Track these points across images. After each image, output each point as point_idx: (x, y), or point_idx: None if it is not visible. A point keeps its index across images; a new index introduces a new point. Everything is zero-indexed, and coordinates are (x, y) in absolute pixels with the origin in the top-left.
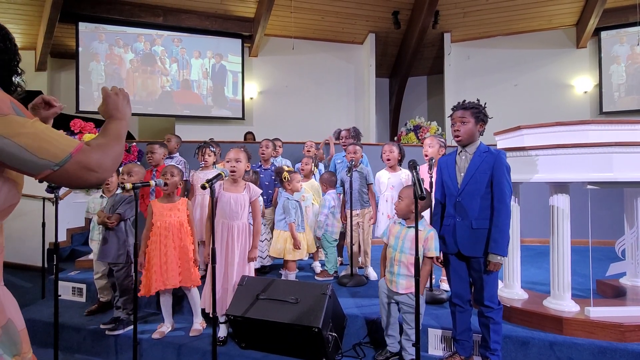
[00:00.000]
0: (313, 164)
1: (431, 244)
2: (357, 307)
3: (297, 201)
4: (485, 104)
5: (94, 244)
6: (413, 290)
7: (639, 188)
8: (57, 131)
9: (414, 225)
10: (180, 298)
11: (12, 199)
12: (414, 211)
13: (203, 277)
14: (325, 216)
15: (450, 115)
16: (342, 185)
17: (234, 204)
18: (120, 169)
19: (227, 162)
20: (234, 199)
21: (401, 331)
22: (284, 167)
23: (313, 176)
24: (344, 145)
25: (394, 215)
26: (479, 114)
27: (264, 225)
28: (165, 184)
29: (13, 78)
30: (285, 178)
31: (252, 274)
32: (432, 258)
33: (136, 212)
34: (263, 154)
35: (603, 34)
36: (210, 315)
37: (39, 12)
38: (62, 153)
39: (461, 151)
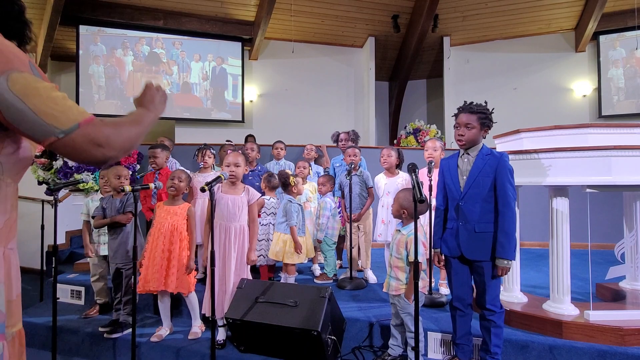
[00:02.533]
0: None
1: (411, 248)
2: (357, 310)
3: (300, 204)
4: (493, 109)
5: (93, 247)
6: (399, 292)
7: (638, 191)
8: (71, 101)
9: (400, 229)
10: (179, 301)
11: (26, 153)
12: (403, 214)
13: (203, 280)
14: (327, 219)
15: (456, 116)
16: (342, 189)
17: (231, 206)
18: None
19: (227, 166)
20: (231, 201)
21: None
22: (287, 171)
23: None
24: (343, 148)
25: (389, 221)
26: (485, 119)
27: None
28: (172, 187)
29: (27, 32)
30: (293, 183)
31: (249, 276)
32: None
33: (135, 214)
34: (248, 156)
35: (602, 37)
36: (209, 317)
37: (39, 15)
38: (70, 121)
39: (463, 154)
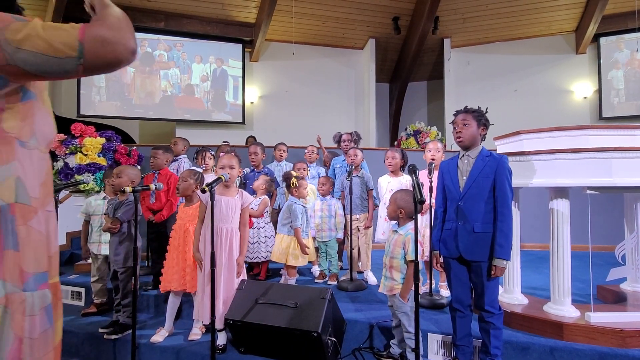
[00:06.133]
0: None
1: (409, 247)
2: (357, 312)
3: (304, 206)
4: (487, 108)
5: (93, 246)
6: (394, 292)
7: (638, 193)
8: (53, 24)
9: (397, 229)
10: (180, 302)
11: (53, 129)
12: (400, 216)
13: None
14: (342, 217)
15: (453, 121)
16: (343, 189)
17: (225, 208)
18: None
19: (221, 168)
20: (225, 202)
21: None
22: (292, 172)
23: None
24: (345, 149)
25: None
26: (480, 117)
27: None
28: (177, 188)
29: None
30: (293, 184)
31: (238, 279)
32: (412, 261)
33: (136, 216)
34: (253, 161)
35: (602, 39)
36: (204, 322)
37: (40, 16)
38: (72, 43)
39: (463, 155)
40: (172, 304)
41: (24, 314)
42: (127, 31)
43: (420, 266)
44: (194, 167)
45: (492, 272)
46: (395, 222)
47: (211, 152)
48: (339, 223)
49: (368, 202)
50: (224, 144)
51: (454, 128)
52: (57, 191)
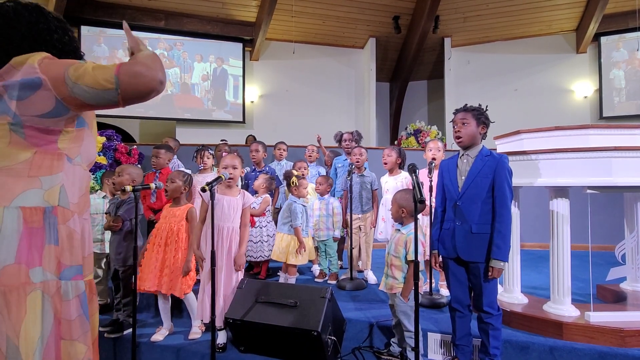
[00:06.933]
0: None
1: (410, 247)
2: (357, 311)
3: (304, 205)
4: (486, 107)
5: (94, 246)
6: (394, 290)
7: (639, 192)
8: (100, 65)
9: (400, 228)
10: (180, 302)
11: (94, 149)
12: (403, 215)
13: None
14: (340, 216)
15: (452, 120)
16: (345, 189)
17: (226, 207)
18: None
19: (224, 168)
20: (227, 202)
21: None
22: (293, 171)
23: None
24: (347, 149)
25: (389, 219)
26: (480, 116)
27: (269, 222)
28: (166, 190)
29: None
30: (293, 183)
31: (238, 277)
32: (413, 261)
33: (136, 214)
34: (254, 158)
35: (603, 39)
36: (203, 321)
37: None
38: (110, 78)
39: (463, 155)
40: (162, 304)
41: (61, 299)
42: (155, 66)
43: (421, 266)
44: (183, 168)
45: (489, 274)
46: (399, 222)
47: (210, 151)
48: (336, 222)
49: (373, 202)
50: (222, 142)
51: (454, 127)
52: None
